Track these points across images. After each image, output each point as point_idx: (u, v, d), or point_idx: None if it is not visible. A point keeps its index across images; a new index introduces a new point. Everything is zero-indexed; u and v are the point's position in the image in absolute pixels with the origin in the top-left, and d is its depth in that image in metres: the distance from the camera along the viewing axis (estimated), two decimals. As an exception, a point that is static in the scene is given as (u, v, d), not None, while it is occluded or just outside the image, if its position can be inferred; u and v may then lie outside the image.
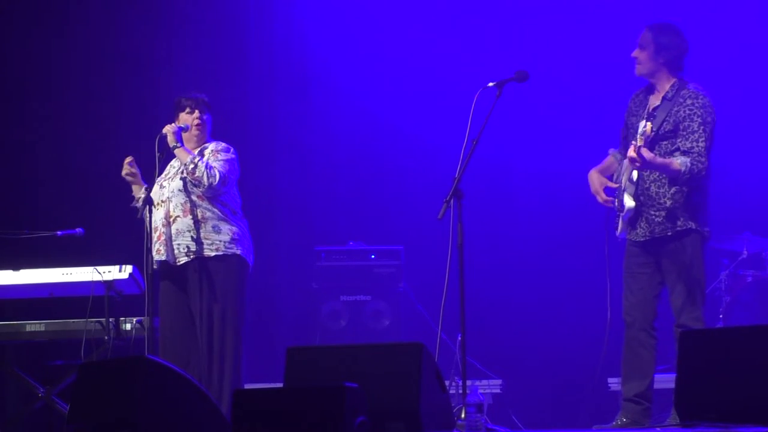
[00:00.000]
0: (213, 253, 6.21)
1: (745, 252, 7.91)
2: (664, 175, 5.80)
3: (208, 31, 8.81)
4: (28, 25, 8.42)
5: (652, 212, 5.84)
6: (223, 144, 6.42)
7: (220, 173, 6.20)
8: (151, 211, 6.12)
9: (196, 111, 6.41)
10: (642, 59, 5.92)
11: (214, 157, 6.30)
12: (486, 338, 7.88)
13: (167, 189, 6.30)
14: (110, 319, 6.54)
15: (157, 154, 6.16)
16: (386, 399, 4.54)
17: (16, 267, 6.74)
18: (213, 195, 6.25)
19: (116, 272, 6.59)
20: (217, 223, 6.25)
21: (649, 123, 5.64)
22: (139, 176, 6.39)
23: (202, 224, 6.22)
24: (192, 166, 6.17)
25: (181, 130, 6.29)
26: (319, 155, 8.94)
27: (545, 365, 8.25)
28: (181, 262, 6.22)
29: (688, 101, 5.81)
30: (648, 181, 5.85)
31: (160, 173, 6.35)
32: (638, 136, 5.64)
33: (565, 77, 8.50)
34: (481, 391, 5.48)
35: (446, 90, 8.57)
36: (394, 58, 8.84)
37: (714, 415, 4.47)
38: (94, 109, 8.46)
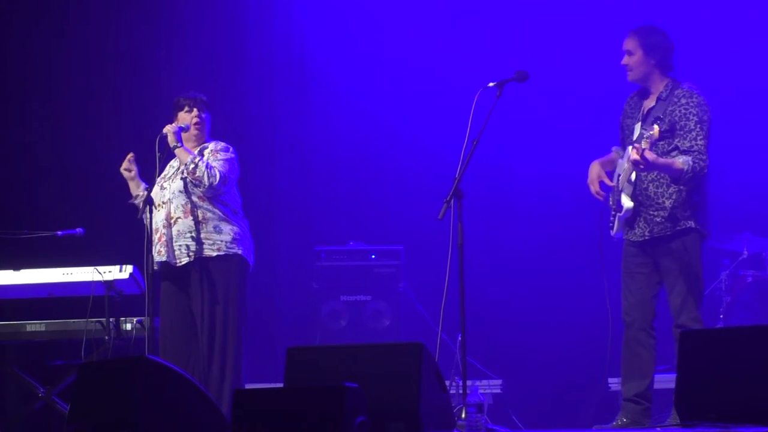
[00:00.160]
0: (214, 253, 6.21)
1: (745, 252, 7.91)
2: (662, 175, 5.80)
3: (208, 31, 8.81)
4: (28, 25, 8.42)
5: (651, 212, 5.84)
6: (223, 144, 6.42)
7: (220, 173, 6.20)
8: (151, 212, 6.13)
9: (195, 110, 6.41)
10: (633, 65, 5.92)
11: (214, 156, 6.30)
12: (486, 338, 7.88)
13: (168, 190, 6.31)
14: (110, 319, 6.54)
15: (157, 154, 6.16)
16: (386, 399, 4.54)
17: (16, 267, 6.74)
18: (213, 195, 6.26)
19: (116, 272, 6.59)
20: (218, 223, 6.25)
21: (656, 126, 5.62)
22: (137, 173, 6.40)
23: (203, 225, 6.23)
24: (192, 166, 6.17)
25: (181, 130, 6.30)
26: (319, 155, 8.94)
27: (545, 365, 8.25)
28: (182, 263, 6.23)
29: (683, 100, 5.81)
30: (646, 182, 5.85)
31: (160, 173, 6.35)
32: (644, 139, 5.62)
33: (565, 77, 8.50)
34: (481, 391, 5.48)
35: (446, 90, 8.57)
36: (394, 58, 8.84)
37: (714, 415, 4.47)
38: (94, 109, 8.46)
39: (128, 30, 8.58)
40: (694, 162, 5.69)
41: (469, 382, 5.42)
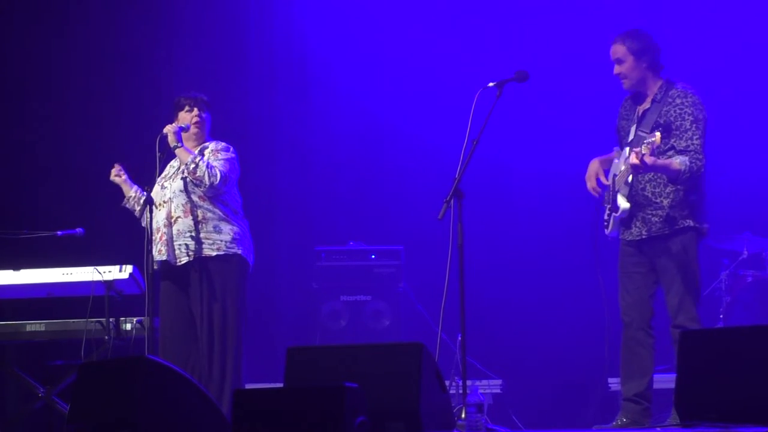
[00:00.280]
0: (214, 253, 6.21)
1: (745, 252, 7.91)
2: (659, 175, 5.80)
3: (208, 31, 8.81)
4: (28, 25, 8.42)
5: (649, 212, 5.84)
6: (223, 143, 6.43)
7: (221, 172, 6.21)
8: (151, 212, 6.13)
9: (195, 109, 6.42)
10: (626, 72, 5.91)
11: (215, 156, 6.31)
12: (486, 338, 7.88)
13: (168, 190, 6.31)
14: (110, 319, 6.54)
15: (157, 154, 6.17)
16: (386, 399, 4.54)
17: (16, 267, 6.74)
18: (214, 194, 6.26)
19: (116, 272, 6.59)
20: (218, 223, 6.25)
21: (658, 133, 5.60)
22: (126, 178, 6.43)
23: (203, 224, 6.23)
24: (193, 165, 6.17)
25: (181, 129, 6.30)
26: (319, 155, 8.94)
27: (545, 365, 8.25)
28: (182, 262, 6.23)
29: (678, 100, 5.82)
30: (643, 182, 5.85)
31: (160, 173, 6.36)
32: (644, 144, 5.62)
33: (565, 77, 8.50)
34: (481, 391, 5.48)
35: (446, 90, 8.57)
36: (394, 58, 8.84)
37: (714, 415, 4.47)
38: (94, 109, 8.46)
39: (128, 30, 8.58)
40: (690, 162, 5.69)
41: (469, 382, 5.42)
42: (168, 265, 6.26)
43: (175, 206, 6.27)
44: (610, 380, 7.40)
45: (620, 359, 5.98)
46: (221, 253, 6.22)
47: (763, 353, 4.43)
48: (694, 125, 5.76)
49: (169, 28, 8.75)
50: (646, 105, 5.90)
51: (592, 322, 7.02)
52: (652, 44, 5.91)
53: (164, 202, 6.30)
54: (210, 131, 6.51)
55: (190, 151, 6.26)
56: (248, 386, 6.42)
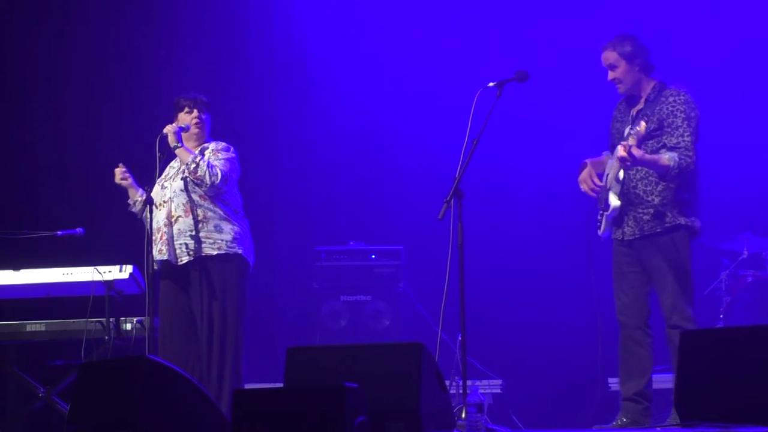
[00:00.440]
0: (215, 252, 6.21)
1: (746, 252, 7.91)
2: (651, 173, 5.81)
3: (208, 31, 8.81)
4: (28, 25, 8.42)
5: (640, 210, 5.85)
6: (223, 143, 6.43)
7: (221, 172, 6.21)
8: (151, 211, 6.13)
9: (195, 110, 6.42)
10: (620, 77, 5.95)
11: (215, 156, 6.31)
12: (486, 338, 7.88)
13: (169, 190, 6.31)
14: (110, 319, 6.54)
15: (157, 155, 6.16)
16: (386, 399, 4.54)
17: (16, 267, 6.73)
18: (215, 194, 6.26)
19: (116, 272, 6.59)
20: (218, 222, 6.25)
21: (643, 122, 5.64)
22: (132, 181, 6.41)
23: (204, 224, 6.23)
24: (194, 165, 6.17)
25: (181, 130, 6.30)
26: (319, 155, 8.95)
27: (545, 365, 8.25)
28: (183, 262, 6.23)
29: (671, 98, 5.84)
30: (635, 180, 5.86)
31: (161, 174, 6.36)
32: (631, 134, 5.65)
33: (565, 77, 8.50)
34: (482, 391, 5.48)
35: (446, 90, 8.57)
36: (395, 58, 8.84)
37: (714, 415, 4.47)
38: (94, 109, 8.46)
39: (128, 30, 8.58)
40: (680, 158, 5.70)
41: (469, 382, 5.42)
42: (168, 265, 6.26)
43: (176, 206, 6.27)
44: (610, 380, 7.40)
45: (618, 359, 5.98)
46: (222, 252, 6.22)
47: (763, 353, 4.43)
48: (686, 122, 5.78)
49: (169, 28, 8.75)
50: (640, 105, 5.92)
51: (592, 322, 7.02)
52: (642, 46, 5.96)
53: (164, 201, 6.30)
54: (210, 132, 6.51)
55: (190, 151, 6.27)
56: (248, 386, 6.42)
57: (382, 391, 4.54)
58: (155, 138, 6.20)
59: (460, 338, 5.52)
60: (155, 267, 6.18)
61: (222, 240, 6.23)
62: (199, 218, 6.23)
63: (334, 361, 4.83)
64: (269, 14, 9.05)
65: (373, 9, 8.90)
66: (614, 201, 5.87)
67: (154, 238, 6.23)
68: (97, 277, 6.56)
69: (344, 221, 8.82)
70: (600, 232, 6.00)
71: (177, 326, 6.27)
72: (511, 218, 8.63)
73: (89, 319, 6.54)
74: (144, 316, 6.15)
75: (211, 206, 6.26)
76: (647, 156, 5.67)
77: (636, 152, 5.57)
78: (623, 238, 5.92)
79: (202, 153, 6.32)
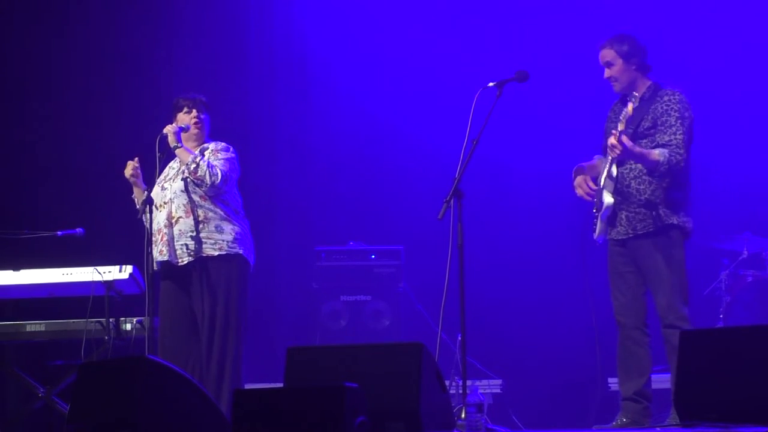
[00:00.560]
0: (216, 253, 6.21)
1: (745, 252, 7.91)
2: (645, 172, 5.82)
3: (208, 31, 8.81)
4: (28, 25, 8.42)
5: (634, 209, 5.87)
6: (223, 144, 6.43)
7: (222, 172, 6.21)
8: (151, 212, 6.13)
9: (194, 110, 6.41)
10: (616, 75, 5.98)
11: (215, 156, 6.31)
12: (486, 338, 7.88)
13: (169, 191, 6.31)
14: (110, 319, 6.54)
15: (157, 155, 6.16)
16: (386, 399, 4.54)
17: (16, 267, 6.73)
18: (215, 194, 6.26)
19: (116, 272, 6.59)
20: (219, 222, 6.25)
21: (630, 104, 5.69)
22: (141, 178, 6.40)
23: (205, 224, 6.23)
24: (194, 165, 6.17)
25: (181, 130, 6.30)
26: (319, 155, 8.95)
27: (545, 365, 8.25)
28: (184, 262, 6.23)
29: (665, 98, 5.88)
30: (628, 179, 5.88)
31: (160, 174, 6.35)
32: (620, 119, 5.69)
33: (565, 77, 8.50)
34: (481, 391, 5.48)
35: (446, 90, 8.57)
36: (394, 58, 8.84)
37: (714, 415, 4.47)
38: (94, 109, 8.46)
39: (128, 30, 8.58)
40: (670, 155, 5.73)
41: (469, 382, 5.42)
42: (169, 266, 6.26)
43: (176, 207, 6.27)
44: (610, 380, 7.40)
45: (617, 359, 5.99)
46: (223, 252, 6.22)
47: (763, 353, 4.43)
48: (679, 121, 5.81)
49: (169, 28, 8.75)
50: (635, 104, 5.93)
51: (592, 322, 7.02)
52: (640, 46, 5.99)
53: (165, 203, 6.30)
54: (209, 132, 6.50)
55: (190, 151, 6.27)
56: (248, 386, 6.42)
57: (382, 391, 4.54)
58: (155, 138, 6.19)
59: (460, 338, 5.52)
60: (155, 267, 6.18)
61: (223, 240, 6.23)
62: (200, 219, 6.23)
63: (334, 361, 4.83)
64: (269, 14, 9.05)
65: (373, 9, 8.90)
66: (608, 198, 5.89)
67: (154, 239, 6.23)
68: (97, 277, 6.56)
69: (344, 221, 8.82)
70: (595, 236, 6.01)
71: (177, 327, 6.27)
72: (511, 218, 8.63)
73: (89, 319, 6.54)
74: (144, 316, 6.15)
75: (211, 207, 6.26)
76: (637, 148, 5.71)
77: (626, 141, 5.60)
78: (617, 237, 5.93)
79: (202, 153, 6.31)
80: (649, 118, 5.84)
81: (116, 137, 8.14)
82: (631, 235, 5.88)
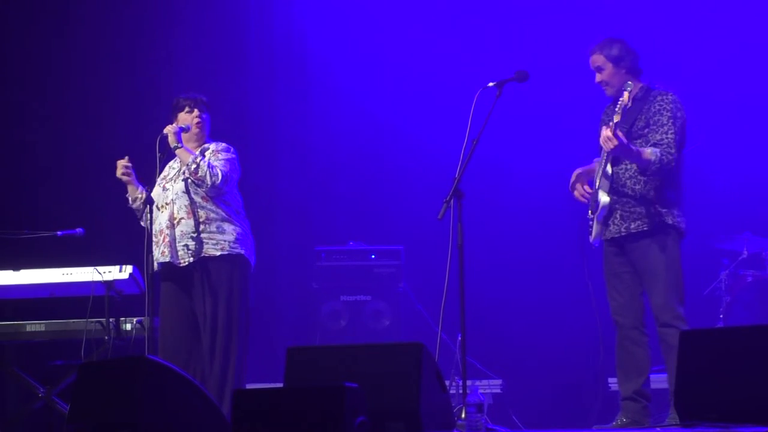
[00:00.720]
0: (218, 253, 6.21)
1: (745, 252, 7.91)
2: (638, 171, 5.83)
3: (208, 31, 8.81)
4: (27, 24, 8.42)
5: (628, 208, 5.88)
6: (224, 144, 6.43)
7: (222, 172, 6.21)
8: (151, 212, 6.13)
9: (196, 110, 6.41)
10: (606, 79, 6.02)
11: (215, 156, 6.31)
12: (486, 338, 7.88)
13: (171, 191, 6.30)
14: (110, 319, 6.54)
15: (158, 155, 6.16)
16: (386, 399, 4.54)
17: (16, 267, 6.73)
18: (216, 194, 6.26)
19: (116, 272, 6.58)
20: (220, 223, 6.25)
21: (626, 93, 5.70)
22: (134, 177, 6.39)
23: (206, 225, 6.22)
24: (194, 166, 6.17)
25: (181, 130, 6.29)
26: (319, 155, 8.95)
27: (545, 365, 8.25)
28: (186, 263, 6.22)
29: (658, 98, 5.92)
30: (624, 178, 5.90)
31: (160, 174, 6.35)
32: (616, 109, 5.72)
33: (565, 78, 8.49)
34: (482, 391, 5.48)
35: (446, 90, 8.57)
36: (395, 58, 8.84)
37: (714, 415, 4.47)
38: (94, 109, 8.46)
39: (128, 30, 8.58)
40: (662, 154, 5.76)
41: (469, 382, 5.42)
42: (170, 267, 6.25)
43: (178, 208, 6.26)
44: (610, 380, 7.40)
45: (616, 359, 5.99)
46: (225, 253, 6.22)
47: (763, 353, 4.43)
48: (671, 121, 5.84)
49: (169, 28, 8.75)
50: (628, 104, 5.94)
51: (592, 322, 7.01)
52: (629, 50, 6.02)
53: (166, 204, 6.29)
54: (210, 132, 6.50)
55: (190, 152, 6.26)
56: (248, 386, 6.42)
57: (382, 391, 4.54)
58: (155, 138, 6.19)
59: (460, 338, 5.52)
60: (156, 268, 6.18)
61: (225, 240, 6.23)
62: (201, 219, 6.23)
63: (334, 361, 4.83)
64: (269, 14, 9.05)
65: (373, 9, 8.90)
66: (603, 198, 5.90)
67: (156, 240, 6.23)
68: (97, 278, 6.56)
69: (344, 221, 8.82)
70: (591, 239, 6.03)
71: (178, 328, 6.27)
72: (511, 218, 8.63)
73: (89, 319, 6.54)
74: (144, 316, 6.15)
75: (213, 207, 6.26)
76: (631, 145, 5.73)
77: (620, 134, 5.63)
78: (611, 236, 5.94)
79: (202, 153, 6.31)
80: (643, 118, 5.88)
81: (116, 137, 8.13)
82: (624, 234, 5.89)
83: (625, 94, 5.74)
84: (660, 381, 6.39)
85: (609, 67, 5.99)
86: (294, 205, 8.90)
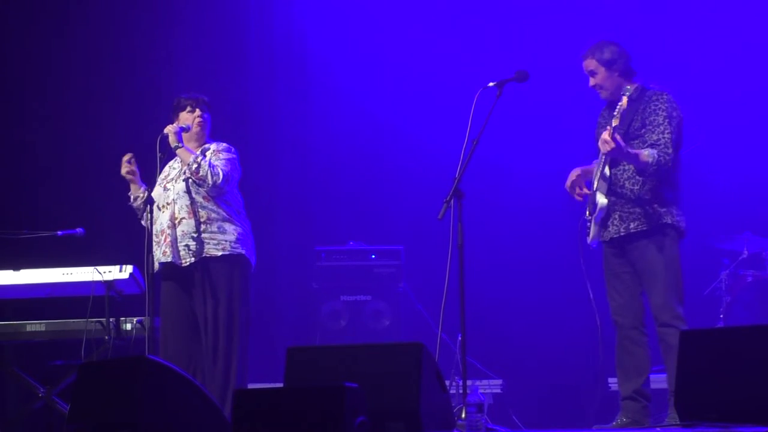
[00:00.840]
0: (219, 253, 6.21)
1: (746, 252, 7.91)
2: (636, 172, 5.84)
3: (208, 31, 8.81)
4: (27, 24, 8.42)
5: (626, 209, 5.89)
6: (225, 144, 6.43)
7: (223, 172, 6.21)
8: (152, 211, 6.13)
9: (197, 110, 6.41)
10: (600, 83, 6.03)
11: (216, 156, 6.31)
12: (486, 338, 7.88)
13: (172, 191, 6.30)
14: (110, 319, 6.54)
15: (158, 155, 6.16)
16: (386, 399, 4.54)
17: (16, 267, 6.73)
18: (217, 194, 6.26)
19: (116, 272, 6.58)
20: (221, 223, 6.25)
21: (624, 97, 5.71)
22: (138, 175, 6.39)
23: (208, 225, 6.22)
24: (195, 165, 6.17)
25: (182, 130, 6.29)
26: (319, 155, 8.95)
27: (545, 365, 8.25)
28: (187, 263, 6.22)
29: (654, 98, 5.93)
30: (622, 179, 5.91)
31: (160, 174, 6.35)
32: (614, 113, 5.72)
33: (565, 78, 8.48)
34: (482, 391, 5.48)
35: (446, 90, 8.57)
36: (395, 58, 8.84)
37: (714, 415, 4.47)
38: (94, 109, 8.46)
39: (128, 30, 8.58)
40: (659, 155, 5.77)
41: (469, 382, 5.41)
42: (171, 266, 6.25)
43: (179, 208, 6.26)
44: (610, 380, 7.40)
45: (616, 359, 5.99)
46: (226, 253, 6.22)
47: (763, 353, 4.43)
48: (667, 121, 5.85)
49: (169, 27, 8.75)
50: (623, 106, 5.95)
51: (592, 322, 7.01)
52: (622, 52, 6.02)
53: (168, 204, 6.29)
54: (210, 132, 6.50)
55: (191, 151, 6.26)
56: (248, 386, 6.42)
57: (382, 391, 4.54)
58: (155, 138, 6.19)
59: (460, 338, 5.52)
60: (157, 268, 6.18)
61: (226, 240, 6.23)
62: (202, 220, 6.23)
63: (334, 361, 4.83)
64: (269, 14, 9.05)
65: (373, 9, 8.90)
66: (601, 200, 5.91)
67: (158, 240, 6.23)
68: (97, 277, 6.55)
69: (344, 221, 8.82)
70: (589, 240, 6.03)
71: (178, 328, 6.27)
72: (511, 218, 8.63)
73: (89, 319, 6.53)
74: (144, 316, 6.15)
75: (214, 207, 6.26)
76: (629, 148, 5.73)
77: (618, 138, 5.65)
78: (610, 237, 5.94)
79: (203, 153, 6.31)
80: (639, 118, 5.89)
81: (116, 137, 8.13)
82: (623, 234, 5.89)
83: (624, 99, 5.73)
84: (660, 381, 6.39)
85: (602, 71, 6.00)
86: (294, 205, 8.90)
